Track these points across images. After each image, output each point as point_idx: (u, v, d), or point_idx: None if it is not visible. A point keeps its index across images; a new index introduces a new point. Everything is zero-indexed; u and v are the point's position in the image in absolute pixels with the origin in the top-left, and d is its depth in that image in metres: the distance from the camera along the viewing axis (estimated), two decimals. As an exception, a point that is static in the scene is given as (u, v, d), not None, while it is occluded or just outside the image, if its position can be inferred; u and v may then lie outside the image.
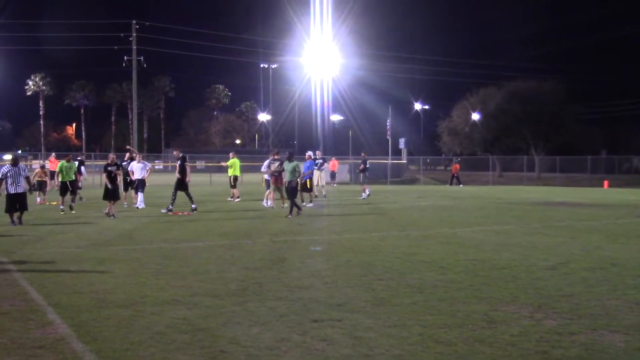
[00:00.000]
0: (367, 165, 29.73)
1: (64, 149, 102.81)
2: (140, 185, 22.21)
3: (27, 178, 17.09)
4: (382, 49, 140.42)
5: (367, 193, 28.43)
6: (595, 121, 76.93)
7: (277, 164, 21.75)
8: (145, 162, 23.06)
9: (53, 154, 21.30)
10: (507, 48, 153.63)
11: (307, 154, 24.88)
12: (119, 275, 9.42)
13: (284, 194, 21.48)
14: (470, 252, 11.83)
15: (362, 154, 31.21)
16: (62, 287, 8.48)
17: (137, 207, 21.71)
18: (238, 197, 26.01)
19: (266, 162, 22.34)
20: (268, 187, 22.44)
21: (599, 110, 77.75)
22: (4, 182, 16.46)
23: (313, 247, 12.21)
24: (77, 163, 25.09)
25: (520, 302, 7.66)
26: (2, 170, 16.67)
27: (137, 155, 23.02)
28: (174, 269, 9.98)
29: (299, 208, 18.96)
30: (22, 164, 17.56)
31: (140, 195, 22.17)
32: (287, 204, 21.91)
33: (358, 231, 15.43)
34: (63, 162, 20.99)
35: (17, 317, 6.90)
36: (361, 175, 29.47)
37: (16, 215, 16.53)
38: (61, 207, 20.33)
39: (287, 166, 19.12)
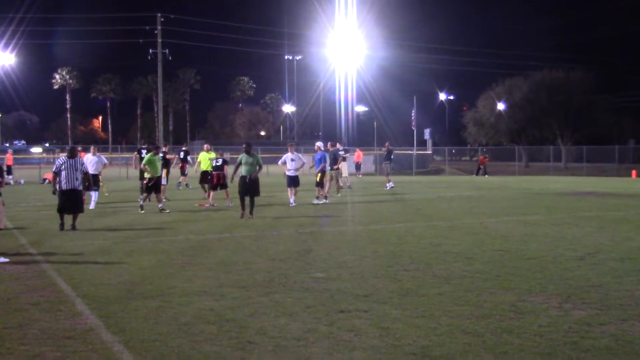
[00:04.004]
0: (392, 156, 29.63)
1: (91, 142, 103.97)
2: (94, 182, 18.42)
3: (86, 174, 14.61)
4: (407, 39, 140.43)
5: (391, 185, 28.32)
6: (623, 111, 75.95)
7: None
8: (101, 156, 19.95)
9: (92, 146, 19.72)
10: (534, 37, 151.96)
11: (316, 144, 22.67)
12: (146, 267, 9.50)
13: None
14: (497, 242, 11.75)
15: (387, 144, 30.92)
16: (90, 279, 8.57)
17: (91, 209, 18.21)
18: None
19: (283, 158, 20.36)
20: (289, 184, 20.14)
21: (627, 99, 76.55)
22: (58, 177, 14.03)
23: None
24: (182, 154, 25.13)
25: (549, 293, 7.59)
26: (56, 163, 14.29)
27: (93, 148, 19.97)
28: (201, 260, 10.04)
29: (244, 209, 16.73)
30: (79, 157, 15.29)
31: (94, 195, 18.99)
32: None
33: (384, 222, 15.40)
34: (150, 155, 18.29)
35: (46, 308, 6.99)
36: (387, 166, 29.25)
37: (68, 218, 14.02)
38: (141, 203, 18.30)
39: (246, 159, 16.97)
